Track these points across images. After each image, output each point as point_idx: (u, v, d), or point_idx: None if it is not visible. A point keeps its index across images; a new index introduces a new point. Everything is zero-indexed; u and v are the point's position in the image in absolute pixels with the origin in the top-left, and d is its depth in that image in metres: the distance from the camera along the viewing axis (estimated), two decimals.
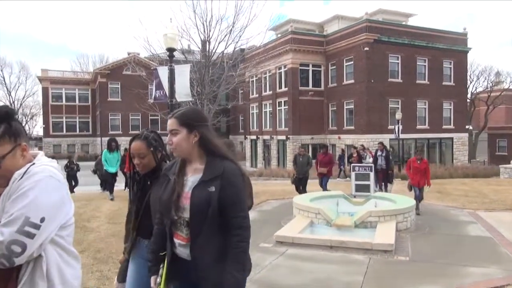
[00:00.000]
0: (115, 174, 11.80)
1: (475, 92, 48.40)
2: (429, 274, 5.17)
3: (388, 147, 17.63)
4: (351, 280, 4.92)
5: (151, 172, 2.61)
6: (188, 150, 2.09)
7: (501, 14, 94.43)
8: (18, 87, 58.99)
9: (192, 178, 2.09)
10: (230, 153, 2.13)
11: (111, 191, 11.82)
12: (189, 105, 15.58)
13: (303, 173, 11.65)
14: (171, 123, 2.14)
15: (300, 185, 11.88)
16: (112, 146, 11.35)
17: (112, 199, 11.37)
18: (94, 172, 14.94)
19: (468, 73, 40.09)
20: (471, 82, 45.85)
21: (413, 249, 6.35)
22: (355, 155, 16.37)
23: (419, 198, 9.40)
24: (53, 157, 2.06)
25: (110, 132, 43.71)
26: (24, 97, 59.55)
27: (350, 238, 6.53)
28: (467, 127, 36.41)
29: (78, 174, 16.26)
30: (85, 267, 5.31)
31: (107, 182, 12.16)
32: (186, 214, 2.03)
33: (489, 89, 48.11)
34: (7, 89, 57.37)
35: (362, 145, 17.82)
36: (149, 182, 2.62)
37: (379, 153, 13.85)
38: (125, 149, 11.54)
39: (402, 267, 5.55)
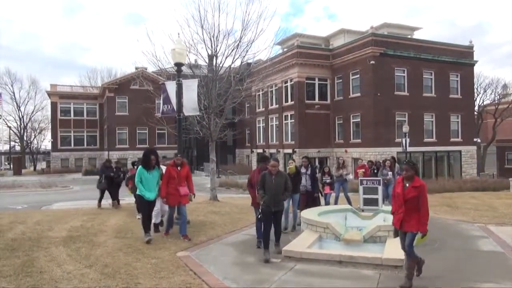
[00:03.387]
0: (154, 203, 8.08)
1: (482, 104, 48.17)
2: None
3: (391, 160, 14.53)
4: None
5: None
6: None
7: (507, 26, 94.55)
8: (28, 101, 59.87)
9: None
10: None
11: (147, 228, 7.80)
12: (196, 119, 15.69)
13: (277, 203, 6.82)
14: None
15: (271, 224, 6.91)
16: (152, 161, 7.86)
17: (149, 241, 7.57)
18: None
19: (475, 86, 40.00)
20: (478, 95, 45.71)
21: (424, 265, 6.24)
22: (326, 170, 12.23)
23: (408, 256, 5.35)
24: None
25: (118, 146, 44.02)
26: (33, 112, 60.32)
27: (360, 253, 6.44)
28: (475, 140, 36.16)
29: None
30: (92, 282, 5.29)
31: (142, 213, 8.08)
32: None
33: (496, 101, 47.83)
34: (16, 104, 58.23)
35: (371, 161, 15.35)
36: None
37: (303, 170, 10.04)
38: (176, 155, 8.65)
39: (413, 283, 5.44)
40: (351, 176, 13.70)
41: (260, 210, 6.98)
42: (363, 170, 12.58)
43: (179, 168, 8.19)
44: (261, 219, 6.99)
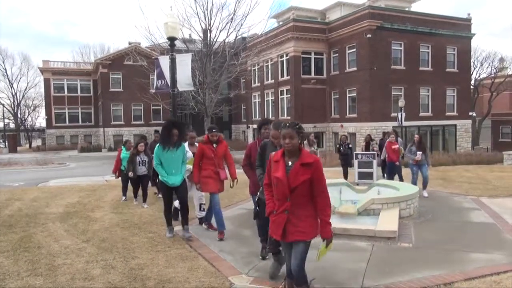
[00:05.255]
0: (182, 189, 6.27)
1: (478, 78, 48.00)
2: (432, 260, 5.18)
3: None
4: (354, 267, 4.93)
5: None
6: None
7: None
8: (20, 78, 58.92)
9: None
10: None
11: (169, 220, 6.49)
12: (191, 95, 15.59)
13: None
14: None
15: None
16: (173, 136, 6.14)
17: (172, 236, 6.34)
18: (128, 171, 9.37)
19: (472, 59, 39.74)
20: (474, 69, 45.45)
21: (416, 236, 6.36)
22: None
23: (297, 280, 3.65)
24: None
25: (113, 123, 43.79)
26: (26, 89, 59.49)
27: (353, 226, 6.54)
28: (470, 114, 36.23)
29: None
30: (90, 256, 5.36)
31: (165, 203, 6.40)
32: None
33: (493, 75, 47.66)
34: (9, 80, 57.34)
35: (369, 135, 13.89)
36: None
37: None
38: (210, 129, 6.46)
39: (405, 253, 5.56)
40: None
41: (256, 200, 4.65)
42: (396, 147, 10.97)
43: (214, 145, 6.34)
44: (258, 216, 4.56)
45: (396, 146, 10.87)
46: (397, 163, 10.87)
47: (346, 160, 12.92)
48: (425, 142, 10.84)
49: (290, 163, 3.39)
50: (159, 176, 6.39)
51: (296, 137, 3.37)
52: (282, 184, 3.32)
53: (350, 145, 13.15)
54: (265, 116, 37.19)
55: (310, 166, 3.31)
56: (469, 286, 4.27)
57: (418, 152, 9.97)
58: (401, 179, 10.74)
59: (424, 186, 10.09)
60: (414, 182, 9.94)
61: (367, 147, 13.38)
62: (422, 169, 10.14)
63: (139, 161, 9.30)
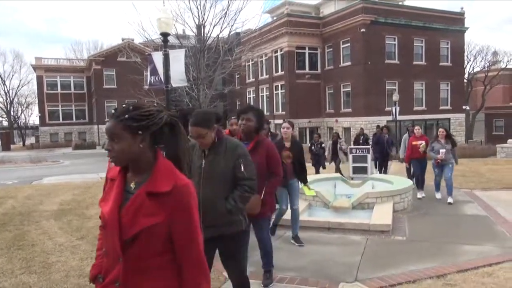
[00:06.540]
0: None
1: (472, 72, 48.22)
2: (426, 253, 5.23)
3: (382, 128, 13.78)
4: (349, 261, 4.96)
5: None
6: None
7: None
8: (13, 76, 58.52)
9: None
10: None
11: None
12: (185, 90, 15.55)
13: (214, 216, 2.83)
14: None
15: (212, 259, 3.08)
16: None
17: None
18: None
19: (465, 53, 39.90)
20: (468, 62, 45.66)
21: (410, 229, 6.41)
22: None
23: None
24: None
25: (107, 120, 43.40)
26: (19, 86, 58.94)
27: (348, 220, 6.58)
28: (464, 107, 36.42)
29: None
30: (84, 254, 5.35)
31: None
32: None
33: (486, 69, 47.89)
34: (1, 78, 56.74)
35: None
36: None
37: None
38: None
39: (399, 246, 5.60)
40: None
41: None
42: (423, 142, 8.92)
43: None
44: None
45: (419, 143, 8.94)
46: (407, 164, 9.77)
47: (317, 160, 12.58)
48: (449, 137, 8.53)
49: (132, 185, 1.61)
50: None
51: (128, 138, 1.57)
52: (109, 228, 1.57)
53: (323, 145, 12.83)
54: None
55: (167, 197, 1.52)
56: (462, 278, 4.31)
57: (441, 150, 8.25)
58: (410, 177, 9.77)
59: (448, 190, 8.38)
60: (437, 185, 8.83)
61: (335, 145, 13.11)
62: (444, 170, 8.45)
63: None
